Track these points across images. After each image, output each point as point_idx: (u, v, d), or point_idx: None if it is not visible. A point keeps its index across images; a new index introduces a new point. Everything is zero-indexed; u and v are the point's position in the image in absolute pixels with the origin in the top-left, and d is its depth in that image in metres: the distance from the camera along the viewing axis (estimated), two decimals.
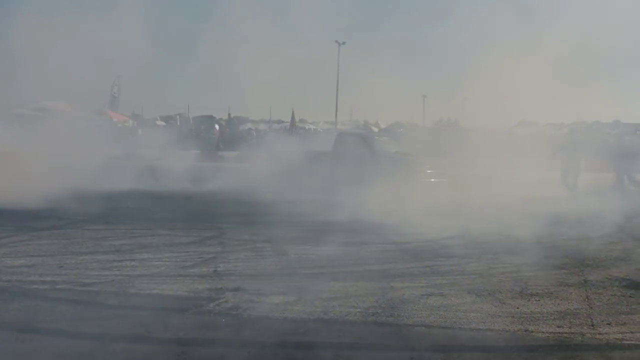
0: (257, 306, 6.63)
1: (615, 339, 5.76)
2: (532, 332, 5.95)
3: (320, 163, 20.02)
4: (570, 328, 6.06)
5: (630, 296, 7.26)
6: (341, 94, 59.20)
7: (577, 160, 19.48)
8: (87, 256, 9.09)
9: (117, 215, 13.37)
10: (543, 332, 5.94)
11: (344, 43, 56.91)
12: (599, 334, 5.90)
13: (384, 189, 17.03)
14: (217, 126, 51.55)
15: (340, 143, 21.30)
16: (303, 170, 19.94)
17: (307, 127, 52.97)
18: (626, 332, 5.94)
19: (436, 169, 19.73)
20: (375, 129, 45.20)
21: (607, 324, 6.19)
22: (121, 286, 7.39)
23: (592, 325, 6.14)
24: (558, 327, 6.10)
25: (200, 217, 13.68)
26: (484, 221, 12.95)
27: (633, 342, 5.69)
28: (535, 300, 7.06)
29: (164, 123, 56.64)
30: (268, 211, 14.64)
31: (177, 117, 60.97)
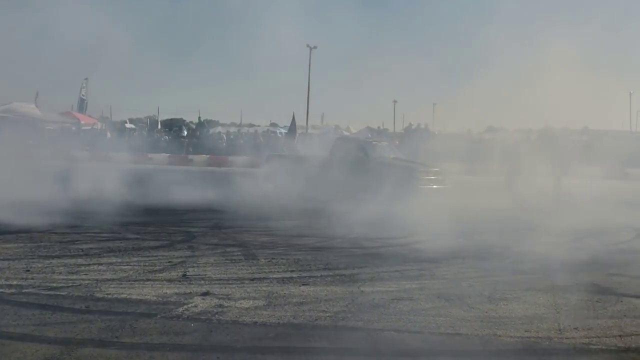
0: (226, 311, 6.60)
1: (582, 343, 5.81)
2: (500, 336, 5.98)
3: (317, 169, 19.87)
4: (537, 332, 6.11)
5: (597, 301, 7.34)
6: (312, 98, 59.23)
7: (523, 164, 19.95)
8: (54, 260, 8.98)
9: (85, 220, 13.24)
10: (511, 337, 5.97)
11: (315, 47, 56.96)
12: (566, 338, 5.95)
13: (374, 195, 17.18)
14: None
15: (337, 149, 21.15)
16: (298, 175, 19.90)
17: (278, 132, 52.95)
18: (593, 337, 5.99)
19: (439, 176, 19.40)
20: (347, 134, 45.28)
21: (574, 328, 6.25)
22: (88, 290, 7.31)
23: (560, 330, 6.19)
24: (526, 331, 6.14)
25: (170, 222, 13.59)
26: (460, 227, 13.04)
27: (599, 346, 5.75)
28: (504, 304, 7.11)
29: (133, 126, 56.35)
30: (243, 216, 14.65)
31: (147, 120, 60.71)
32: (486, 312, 6.77)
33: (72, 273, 8.19)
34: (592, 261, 9.80)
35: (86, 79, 59.59)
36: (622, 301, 7.36)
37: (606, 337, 6.01)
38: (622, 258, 10.19)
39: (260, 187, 20.90)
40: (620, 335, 6.05)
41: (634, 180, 30.76)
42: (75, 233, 11.38)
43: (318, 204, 17.42)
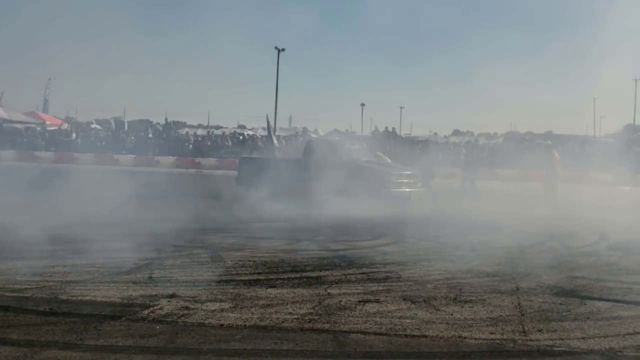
0: (192, 313, 6.56)
1: (546, 345, 5.88)
2: (465, 338, 6.03)
3: (289, 171, 19.74)
4: (502, 334, 6.17)
5: (561, 303, 7.42)
6: (280, 100, 59.17)
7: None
8: (18, 261, 8.86)
9: (50, 220, 13.07)
10: (476, 339, 6.02)
11: (283, 50, 56.96)
12: (530, 340, 6.02)
13: (346, 197, 17.25)
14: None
15: (309, 151, 21.08)
16: (270, 178, 19.83)
17: (246, 134, 52.82)
18: (556, 339, 6.07)
19: (411, 179, 19.39)
20: (314, 136, 45.31)
21: (538, 330, 6.32)
22: (52, 292, 7.23)
23: (524, 332, 6.25)
24: (491, 333, 6.20)
25: (135, 222, 13.44)
26: (423, 230, 13.16)
27: (563, 348, 5.82)
28: (469, 307, 7.17)
29: (99, 127, 55.89)
30: (211, 218, 14.61)
31: (112, 120, 60.28)
32: (452, 314, 6.82)
33: (36, 275, 8.09)
34: (555, 264, 9.92)
35: (50, 79, 59.19)
36: (585, 304, 7.46)
37: (570, 339, 6.09)
38: (585, 261, 10.32)
39: (232, 189, 20.86)
40: (583, 338, 6.13)
41: (600, 184, 31.16)
42: (39, 234, 11.20)
43: (289, 206, 17.43)
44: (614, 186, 29.45)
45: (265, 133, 36.45)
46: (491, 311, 7.02)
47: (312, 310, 6.81)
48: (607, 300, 7.70)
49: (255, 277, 8.42)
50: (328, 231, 12.85)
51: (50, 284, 7.63)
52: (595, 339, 6.12)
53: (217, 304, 6.96)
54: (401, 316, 6.70)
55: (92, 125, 56.48)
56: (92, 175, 23.25)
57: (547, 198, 20.00)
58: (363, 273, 8.85)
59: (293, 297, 7.34)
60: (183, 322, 6.27)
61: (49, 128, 49.44)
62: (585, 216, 16.43)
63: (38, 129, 47.86)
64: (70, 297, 7.05)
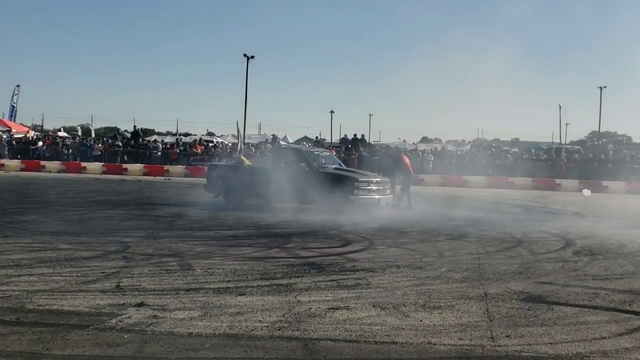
0: (161, 322, 6.51)
1: (514, 351, 5.93)
2: (434, 344, 6.06)
3: (258, 178, 19.70)
4: (471, 340, 6.20)
5: (528, 309, 7.49)
6: (250, 107, 59.07)
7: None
8: None
9: (15, 228, 12.91)
10: (445, 345, 6.05)
11: (252, 57, 56.91)
12: (498, 346, 6.06)
13: (315, 204, 17.33)
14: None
15: (278, 158, 21.09)
16: (239, 185, 19.85)
17: (215, 141, 52.64)
18: (524, 345, 6.12)
19: (380, 186, 19.41)
20: (284, 144, 45.26)
21: (506, 336, 6.37)
22: (19, 301, 7.13)
23: (492, 338, 6.30)
24: (459, 339, 6.23)
25: (103, 231, 13.33)
26: (392, 236, 13.22)
27: (531, 354, 5.87)
28: (438, 313, 7.21)
29: (66, 134, 55.35)
30: (179, 225, 14.51)
31: (79, 128, 59.76)
32: (421, 321, 6.85)
33: (2, 284, 7.98)
34: (522, 270, 10.00)
35: (18, 85, 58.57)
36: (552, 309, 7.53)
37: (537, 344, 6.14)
38: (552, 267, 10.42)
39: (201, 196, 20.79)
40: (551, 343, 6.19)
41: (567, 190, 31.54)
42: (5, 243, 11.08)
43: (258, 213, 17.42)
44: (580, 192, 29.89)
45: (235, 140, 36.42)
46: (460, 317, 7.07)
47: (281, 318, 6.79)
48: (574, 305, 7.79)
49: (225, 284, 8.38)
50: (297, 238, 12.85)
51: (17, 293, 7.53)
52: (563, 344, 6.18)
53: (186, 312, 6.92)
54: (371, 323, 6.71)
55: (59, 133, 55.92)
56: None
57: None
58: (332, 280, 8.86)
59: (262, 305, 7.31)
60: (151, 331, 6.21)
61: (15, 136, 48.84)
62: (551, 222, 16.61)
63: (4, 136, 47.23)
64: (36, 307, 6.95)
